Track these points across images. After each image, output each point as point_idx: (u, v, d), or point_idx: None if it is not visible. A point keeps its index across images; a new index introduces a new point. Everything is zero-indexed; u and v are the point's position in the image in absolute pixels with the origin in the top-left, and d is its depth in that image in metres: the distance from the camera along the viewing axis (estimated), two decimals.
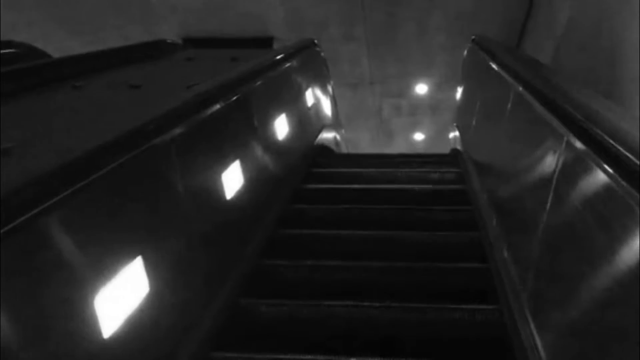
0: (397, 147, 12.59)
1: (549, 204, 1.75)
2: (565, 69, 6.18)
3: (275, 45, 8.94)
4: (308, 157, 4.18)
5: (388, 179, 3.94)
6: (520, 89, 2.47)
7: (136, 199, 1.56)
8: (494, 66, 3.17)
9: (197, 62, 3.98)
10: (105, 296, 1.36)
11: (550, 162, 1.83)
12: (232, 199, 2.37)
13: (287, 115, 3.42)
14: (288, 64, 3.98)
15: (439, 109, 10.87)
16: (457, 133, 4.77)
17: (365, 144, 12.52)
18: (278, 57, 3.92)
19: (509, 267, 2.14)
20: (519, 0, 7.99)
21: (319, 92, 5.00)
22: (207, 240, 2.11)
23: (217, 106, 2.42)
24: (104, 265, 1.35)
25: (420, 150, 12.60)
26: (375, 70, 9.69)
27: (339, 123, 6.82)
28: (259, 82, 3.10)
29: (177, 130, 1.92)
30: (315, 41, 4.95)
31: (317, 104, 4.79)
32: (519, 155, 2.43)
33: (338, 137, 6.14)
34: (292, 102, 3.83)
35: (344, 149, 6.88)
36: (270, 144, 3.06)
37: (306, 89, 4.37)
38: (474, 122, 3.69)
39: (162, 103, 2.20)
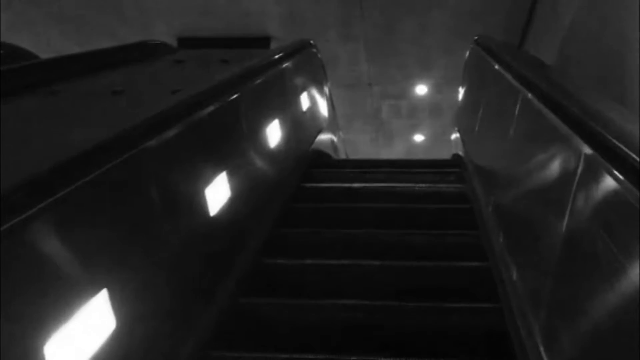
0: (396, 149, 12.41)
1: (564, 228, 1.56)
2: (570, 70, 6.00)
3: (273, 45, 8.76)
4: (301, 167, 3.91)
5: (388, 198, 3.65)
6: (530, 95, 2.28)
7: (94, 228, 1.37)
8: (499, 69, 2.98)
9: (186, 64, 3.78)
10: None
11: (565, 180, 1.64)
12: (210, 224, 2.17)
13: (280, 122, 3.23)
14: (282, 67, 3.79)
15: (440, 111, 10.68)
16: (458, 136, 4.59)
17: (365, 145, 12.33)
18: (271, 59, 3.73)
19: (523, 308, 1.90)
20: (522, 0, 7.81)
21: (315, 95, 4.81)
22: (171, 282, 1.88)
23: (201, 114, 2.23)
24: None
25: (421, 151, 12.43)
26: (374, 71, 9.50)
27: (337, 126, 6.62)
28: (248, 87, 2.92)
29: (152, 143, 1.73)
30: (312, 42, 4.75)
31: (313, 107, 4.59)
32: (527, 168, 2.24)
33: (336, 140, 5.94)
34: (286, 107, 3.64)
35: (343, 153, 6.66)
36: (258, 157, 2.86)
37: (301, 91, 4.18)
38: (477, 127, 3.49)
39: (135, 114, 2.02)
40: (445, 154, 12.33)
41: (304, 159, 4.05)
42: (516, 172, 2.41)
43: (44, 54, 5.98)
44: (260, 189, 2.85)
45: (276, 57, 3.84)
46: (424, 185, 3.62)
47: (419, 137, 11.95)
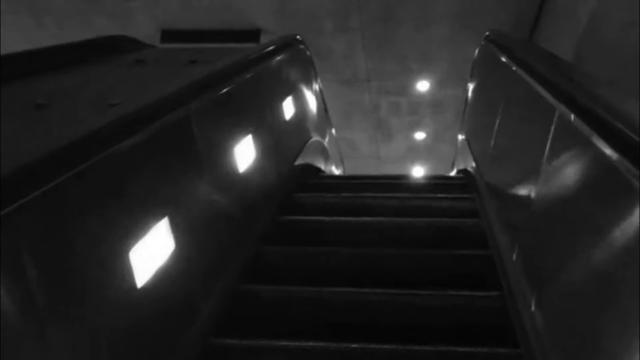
0: (396, 147, 11.83)
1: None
2: (588, 67, 5.42)
3: (263, 39, 8.15)
4: (279, 192, 3.18)
5: (387, 235, 2.99)
6: (572, 117, 1.70)
7: None
8: (524, 77, 2.39)
9: (145, 66, 3.19)
10: None
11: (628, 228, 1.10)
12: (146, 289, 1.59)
13: (252, 141, 2.64)
14: (260, 68, 3.20)
15: (442, 107, 10.09)
16: (466, 145, 3.98)
17: (363, 143, 11.76)
18: (246, 60, 3.15)
19: None
20: None
21: (302, 99, 4.22)
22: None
23: (139, 137, 1.66)
24: None
25: (422, 149, 11.85)
26: (372, 65, 8.89)
27: (331, 132, 5.99)
28: (209, 99, 2.33)
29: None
30: (299, 37, 4.15)
31: (299, 114, 4.00)
32: (567, 208, 1.67)
33: (329, 148, 5.33)
34: (263, 119, 3.05)
35: (335, 166, 5.99)
36: (221, 187, 2.27)
37: (284, 97, 3.59)
38: (492, 144, 2.90)
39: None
40: (446, 153, 11.77)
41: (286, 180, 3.41)
42: (552, 211, 1.83)
43: (19, 47, 5.37)
44: (210, 244, 2.19)
45: (253, 57, 3.25)
46: (434, 220, 2.93)
47: (420, 135, 11.37)
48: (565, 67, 2.43)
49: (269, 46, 3.59)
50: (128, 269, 1.49)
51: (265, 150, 2.92)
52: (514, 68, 2.78)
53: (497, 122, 2.93)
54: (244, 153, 2.43)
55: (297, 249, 2.63)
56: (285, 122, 3.45)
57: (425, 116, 10.56)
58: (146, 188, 1.71)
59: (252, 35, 8.00)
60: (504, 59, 2.86)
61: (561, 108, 1.88)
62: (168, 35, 7.93)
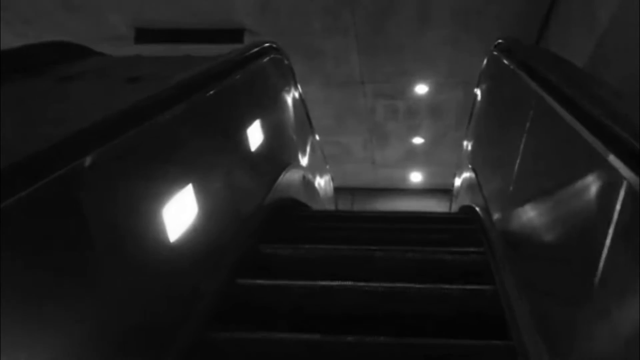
0: (393, 152, 11.18)
1: None
2: (608, 71, 4.78)
3: (247, 39, 7.46)
4: (239, 246, 2.46)
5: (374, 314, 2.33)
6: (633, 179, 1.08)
7: None
8: (558, 110, 1.75)
9: (70, 85, 2.52)
10: None
11: None
12: None
13: (198, 188, 1.98)
14: (223, 85, 2.54)
15: (441, 111, 9.43)
16: (473, 179, 3.30)
17: (357, 148, 11.13)
18: (206, 75, 2.49)
19: None
20: None
21: (278, 118, 3.56)
22: None
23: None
24: None
25: (420, 154, 11.20)
26: (367, 67, 8.23)
27: (315, 153, 5.28)
28: (142, 131, 1.68)
29: None
30: (275, 45, 3.48)
31: (273, 137, 3.34)
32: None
33: (312, 176, 4.64)
34: (219, 153, 2.39)
35: (324, 195, 5.28)
36: (144, 260, 1.62)
37: (253, 119, 2.92)
38: (512, 187, 2.24)
39: None
40: (446, 159, 11.12)
41: (251, 225, 2.72)
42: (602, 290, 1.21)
43: None
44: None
45: (217, 70, 2.59)
46: (436, 288, 2.25)
47: (417, 140, 10.72)
48: (615, 99, 1.77)
49: (239, 56, 2.92)
50: None
51: (219, 197, 2.25)
52: (532, 87, 2.14)
53: (519, 157, 2.27)
54: (176, 218, 1.76)
55: (248, 336, 1.97)
56: (252, 152, 2.77)
57: (424, 120, 9.90)
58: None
59: (235, 35, 7.33)
60: (528, 83, 2.21)
61: (630, 178, 1.24)
62: (143, 34, 7.25)
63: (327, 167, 7.00)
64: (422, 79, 8.53)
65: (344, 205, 12.43)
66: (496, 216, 2.54)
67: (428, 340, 1.95)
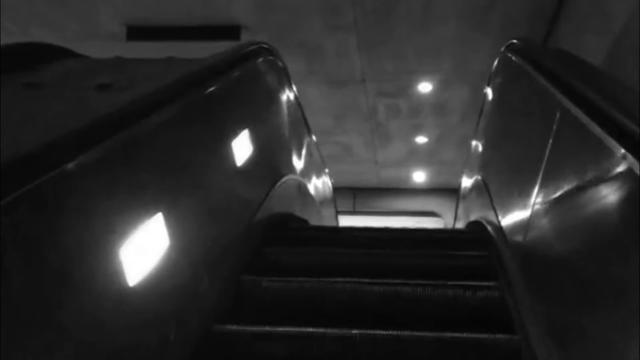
0: (396, 152, 10.91)
1: None
2: (624, 69, 4.48)
3: (244, 37, 7.16)
4: (220, 278, 2.14)
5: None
6: None
7: None
8: (592, 127, 1.47)
9: (31, 92, 2.23)
10: None
11: None
12: None
13: (169, 219, 1.69)
14: (206, 93, 2.25)
15: (445, 110, 9.12)
16: (483, 192, 3.00)
17: (359, 148, 10.84)
18: (187, 81, 2.21)
19: None
20: None
21: (271, 126, 3.28)
22: None
23: None
24: None
25: (423, 153, 10.90)
26: (368, 65, 7.92)
27: (314, 163, 4.96)
28: (87, 162, 1.39)
29: None
30: (266, 45, 3.19)
31: (265, 148, 3.05)
32: None
33: (311, 187, 4.33)
34: (198, 170, 2.10)
35: (323, 198, 4.95)
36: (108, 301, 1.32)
37: (241, 129, 2.63)
38: (530, 214, 1.95)
39: None
40: (450, 158, 10.82)
41: (238, 249, 2.42)
42: None
43: None
44: None
45: (201, 76, 2.31)
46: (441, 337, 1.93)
47: (421, 139, 10.42)
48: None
49: (218, 62, 2.63)
50: None
51: (191, 228, 1.96)
52: (559, 102, 1.85)
53: (539, 177, 1.98)
54: (133, 259, 1.47)
55: None
56: (237, 168, 2.47)
57: (427, 119, 9.60)
58: None
59: (232, 32, 7.03)
60: (538, 79, 1.92)
61: None
62: (135, 32, 6.95)
63: (326, 170, 6.69)
64: (425, 76, 8.22)
65: (346, 206, 12.14)
66: (514, 240, 2.24)
67: None
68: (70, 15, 7.00)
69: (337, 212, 7.77)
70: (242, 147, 2.52)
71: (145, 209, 1.58)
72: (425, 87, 8.42)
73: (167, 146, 1.84)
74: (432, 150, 10.87)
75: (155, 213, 1.61)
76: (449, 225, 11.39)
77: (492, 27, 6.86)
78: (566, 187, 1.70)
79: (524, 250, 2.05)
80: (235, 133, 2.49)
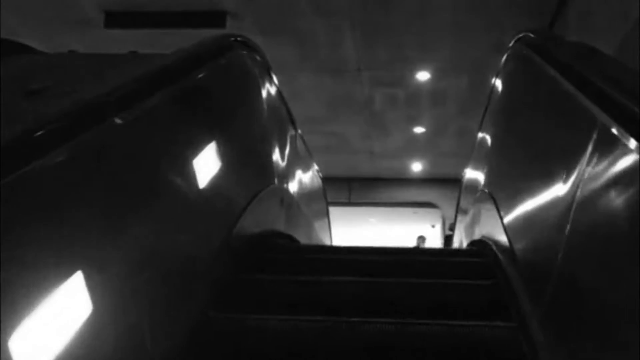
0: (392, 142, 10.54)
1: None
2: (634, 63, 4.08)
3: (230, 24, 6.72)
4: (179, 321, 1.76)
5: None
6: None
7: None
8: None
9: None
10: None
11: None
12: None
13: (110, 248, 1.30)
14: (161, 98, 1.85)
15: (443, 99, 8.71)
16: (491, 207, 2.59)
17: (354, 138, 10.47)
18: (138, 86, 1.80)
19: None
20: None
21: (250, 130, 2.88)
22: None
23: None
24: None
25: (421, 143, 10.52)
26: (363, 53, 7.50)
27: (303, 167, 4.54)
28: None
29: None
30: (241, 39, 2.77)
31: (241, 156, 2.65)
32: None
33: (294, 193, 3.91)
34: (153, 190, 1.70)
35: (309, 197, 4.50)
36: None
37: (210, 136, 2.23)
38: (548, 242, 1.55)
39: None
40: (448, 148, 10.41)
41: (204, 283, 2.02)
42: None
43: None
44: None
45: (156, 79, 1.90)
46: None
47: (418, 130, 10.04)
48: None
49: (183, 58, 2.22)
50: None
51: (162, 242, 1.57)
52: (587, 104, 1.48)
53: (559, 194, 1.59)
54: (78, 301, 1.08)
55: None
56: (206, 182, 2.08)
57: (425, 109, 9.20)
58: None
59: (216, 18, 6.59)
60: (557, 78, 1.53)
61: None
62: (113, 18, 6.50)
63: (319, 174, 6.27)
64: (423, 65, 7.80)
65: (341, 197, 11.77)
66: (534, 279, 1.83)
67: None
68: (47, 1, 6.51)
69: (330, 223, 7.36)
70: (208, 159, 2.12)
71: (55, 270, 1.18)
72: (423, 75, 8.01)
73: (105, 167, 1.44)
74: (429, 141, 10.50)
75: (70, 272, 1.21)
76: (447, 218, 11.03)
77: (492, 15, 6.44)
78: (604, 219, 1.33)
79: (547, 292, 1.66)
80: (199, 143, 2.10)
